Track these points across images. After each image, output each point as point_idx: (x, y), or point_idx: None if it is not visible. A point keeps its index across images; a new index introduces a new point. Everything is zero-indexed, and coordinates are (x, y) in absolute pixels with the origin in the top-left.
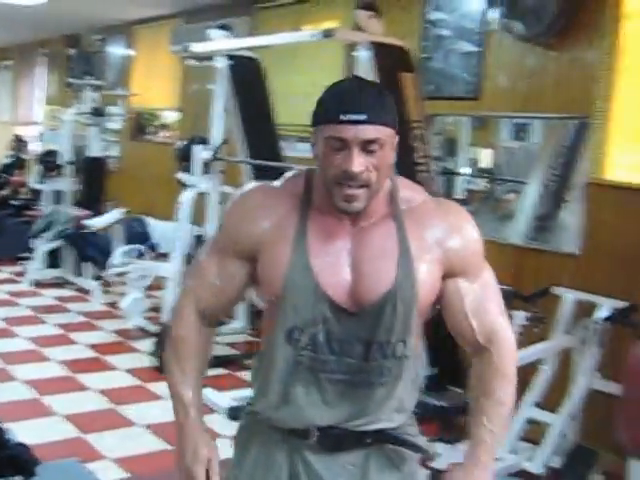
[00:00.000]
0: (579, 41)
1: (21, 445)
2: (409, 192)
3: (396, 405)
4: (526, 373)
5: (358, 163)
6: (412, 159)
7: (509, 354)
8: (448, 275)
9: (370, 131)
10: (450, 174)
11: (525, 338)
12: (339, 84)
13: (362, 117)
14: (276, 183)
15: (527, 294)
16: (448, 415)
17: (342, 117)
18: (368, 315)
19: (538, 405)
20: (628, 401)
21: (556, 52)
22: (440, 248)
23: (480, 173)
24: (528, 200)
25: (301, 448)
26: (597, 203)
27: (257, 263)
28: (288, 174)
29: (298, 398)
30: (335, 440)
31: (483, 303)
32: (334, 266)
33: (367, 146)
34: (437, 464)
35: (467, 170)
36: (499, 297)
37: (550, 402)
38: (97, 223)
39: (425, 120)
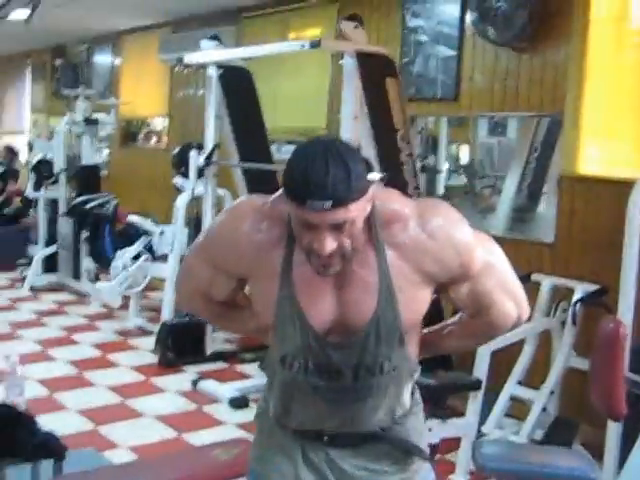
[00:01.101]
0: (550, 44)
1: (49, 433)
2: (390, 207)
3: (390, 404)
4: (510, 354)
5: (329, 245)
6: (398, 159)
7: (499, 321)
8: (441, 287)
9: (338, 215)
10: (431, 171)
11: None
12: (306, 155)
13: (329, 204)
14: (269, 199)
15: None
16: (437, 393)
17: (309, 203)
18: (353, 344)
19: (521, 383)
20: (596, 368)
21: (528, 54)
22: (423, 271)
23: (459, 169)
24: (506, 194)
25: (313, 443)
26: (569, 195)
27: (247, 282)
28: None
29: (298, 413)
30: (345, 439)
31: (480, 299)
32: (318, 301)
33: (337, 226)
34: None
35: (446, 166)
36: (498, 278)
37: (532, 380)
38: (137, 220)
39: (408, 121)
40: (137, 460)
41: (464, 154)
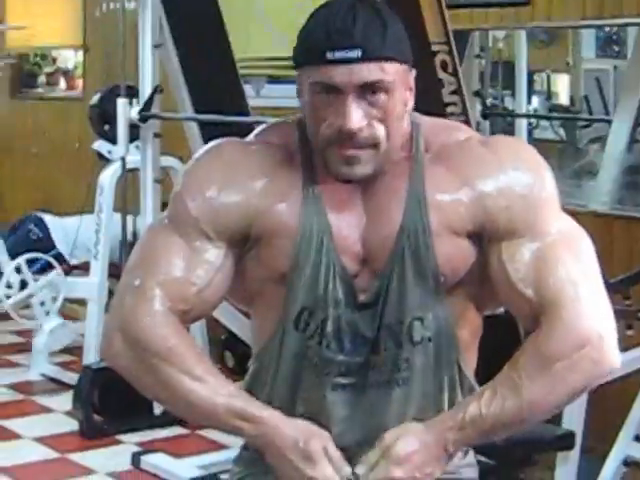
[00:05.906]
0: None
1: None
2: (443, 133)
3: None
4: (620, 395)
5: (356, 117)
6: (439, 98)
7: (564, 336)
8: (492, 235)
9: (369, 71)
10: (502, 117)
11: None
12: (325, 8)
13: (356, 53)
14: (249, 138)
15: (616, 279)
16: (506, 455)
17: (329, 55)
18: (375, 288)
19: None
20: None
21: None
22: (474, 192)
23: (552, 112)
24: (614, 147)
25: None
26: None
27: (247, 242)
28: (262, 126)
29: (301, 406)
30: None
31: (546, 264)
32: (348, 229)
33: (367, 92)
34: None
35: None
36: (581, 263)
37: None
38: None
39: (452, 39)
40: None
41: (560, 88)
